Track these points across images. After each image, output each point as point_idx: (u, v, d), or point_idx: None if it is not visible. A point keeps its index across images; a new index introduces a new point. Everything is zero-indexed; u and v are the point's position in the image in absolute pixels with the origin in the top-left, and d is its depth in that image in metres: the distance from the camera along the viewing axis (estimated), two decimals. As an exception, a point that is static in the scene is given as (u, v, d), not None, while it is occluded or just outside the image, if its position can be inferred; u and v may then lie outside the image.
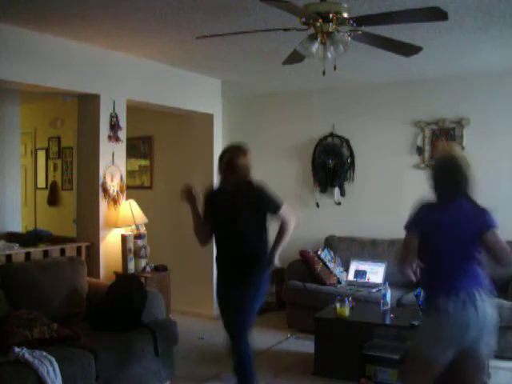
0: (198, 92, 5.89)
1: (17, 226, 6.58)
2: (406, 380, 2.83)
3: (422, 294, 2.80)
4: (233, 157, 3.34)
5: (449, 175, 2.72)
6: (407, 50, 3.35)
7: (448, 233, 2.64)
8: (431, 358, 2.58)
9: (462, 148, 5.51)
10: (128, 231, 4.94)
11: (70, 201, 7.34)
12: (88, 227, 4.83)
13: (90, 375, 3.22)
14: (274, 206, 3.38)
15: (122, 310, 3.67)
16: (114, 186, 4.85)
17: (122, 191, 4.94)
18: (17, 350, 3.04)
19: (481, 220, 2.63)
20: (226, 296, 3.48)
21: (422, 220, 2.72)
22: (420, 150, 5.74)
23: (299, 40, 3.08)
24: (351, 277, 5.57)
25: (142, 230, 5.02)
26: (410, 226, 2.75)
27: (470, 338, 2.57)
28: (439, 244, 2.67)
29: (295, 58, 3.44)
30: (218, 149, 6.29)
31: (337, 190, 6.13)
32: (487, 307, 2.59)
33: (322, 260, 5.57)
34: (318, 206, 6.25)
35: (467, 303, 2.55)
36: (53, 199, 7.76)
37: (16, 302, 3.61)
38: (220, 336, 3.71)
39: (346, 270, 5.66)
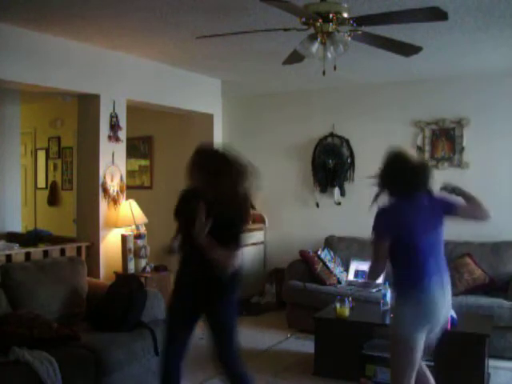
0: (198, 92, 5.89)
1: (17, 226, 6.58)
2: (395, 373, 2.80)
3: (396, 291, 2.85)
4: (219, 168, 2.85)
5: (402, 171, 2.87)
6: (407, 49, 3.35)
7: (423, 228, 2.71)
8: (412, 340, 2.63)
9: (462, 148, 5.53)
10: (128, 231, 4.94)
11: (70, 201, 7.34)
12: (88, 227, 4.84)
13: (89, 375, 3.22)
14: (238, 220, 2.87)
15: (122, 309, 3.67)
16: (114, 186, 4.86)
17: (122, 191, 4.94)
18: (17, 350, 3.04)
19: (443, 204, 2.79)
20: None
21: (392, 225, 2.72)
22: (420, 150, 5.74)
23: (299, 40, 3.08)
24: (351, 277, 5.56)
25: (142, 230, 5.02)
26: (380, 234, 2.73)
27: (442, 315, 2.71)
28: (419, 241, 2.70)
29: (295, 58, 3.44)
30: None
31: (337, 190, 6.13)
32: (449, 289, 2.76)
33: (321, 260, 5.56)
34: (317, 206, 6.25)
35: (444, 284, 2.70)
36: (53, 199, 7.76)
37: (16, 302, 3.60)
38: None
39: (346, 270, 5.65)
